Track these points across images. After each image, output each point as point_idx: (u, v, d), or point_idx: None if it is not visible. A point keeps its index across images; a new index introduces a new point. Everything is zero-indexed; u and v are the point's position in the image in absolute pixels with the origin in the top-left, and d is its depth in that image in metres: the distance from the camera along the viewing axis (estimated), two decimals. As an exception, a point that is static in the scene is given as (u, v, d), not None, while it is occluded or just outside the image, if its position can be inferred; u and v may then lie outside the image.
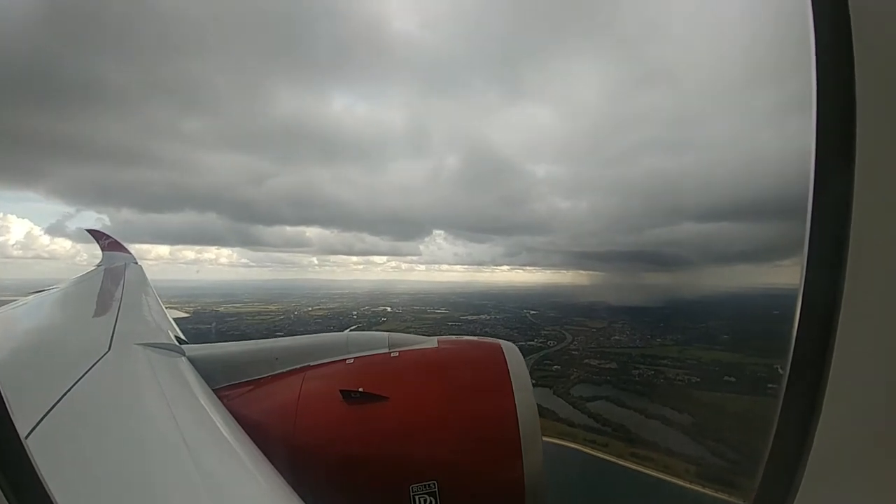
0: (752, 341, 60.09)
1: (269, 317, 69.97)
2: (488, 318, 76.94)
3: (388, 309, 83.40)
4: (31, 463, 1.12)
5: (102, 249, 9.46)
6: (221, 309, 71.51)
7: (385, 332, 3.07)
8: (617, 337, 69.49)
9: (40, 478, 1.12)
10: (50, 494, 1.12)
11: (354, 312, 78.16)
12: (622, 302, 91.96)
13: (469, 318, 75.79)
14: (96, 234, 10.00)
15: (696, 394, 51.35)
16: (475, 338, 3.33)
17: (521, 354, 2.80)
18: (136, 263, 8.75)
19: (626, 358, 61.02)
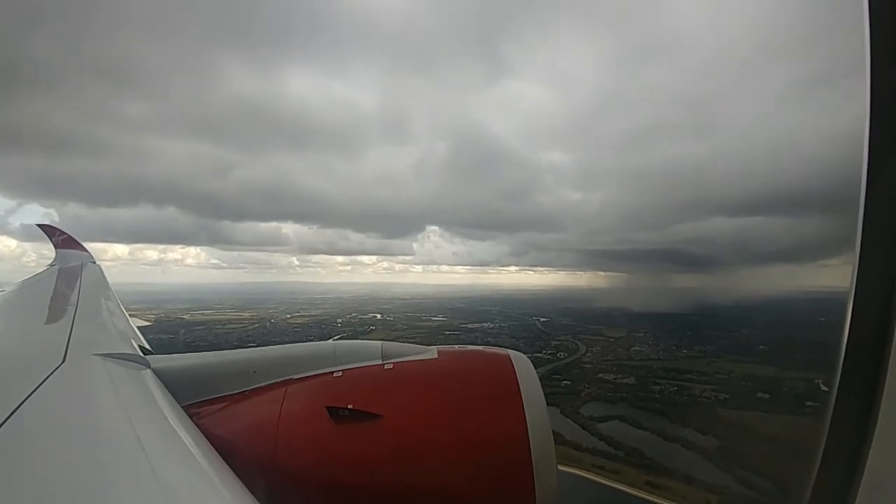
0: (792, 353, 55.39)
1: (241, 325, 65.21)
2: (492, 326, 71.62)
3: (378, 316, 78.93)
4: None
5: (56, 247, 8.80)
6: (188, 316, 67.67)
7: (378, 341, 2.83)
8: (637, 348, 62.99)
9: None
10: None
11: (339, 320, 72.76)
12: (645, 308, 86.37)
13: (470, 326, 70.57)
14: (48, 230, 9.38)
15: (723, 413, 45.27)
16: (480, 347, 2.94)
17: (532, 366, 2.54)
18: (94, 263, 8.24)
19: (645, 372, 54.98)
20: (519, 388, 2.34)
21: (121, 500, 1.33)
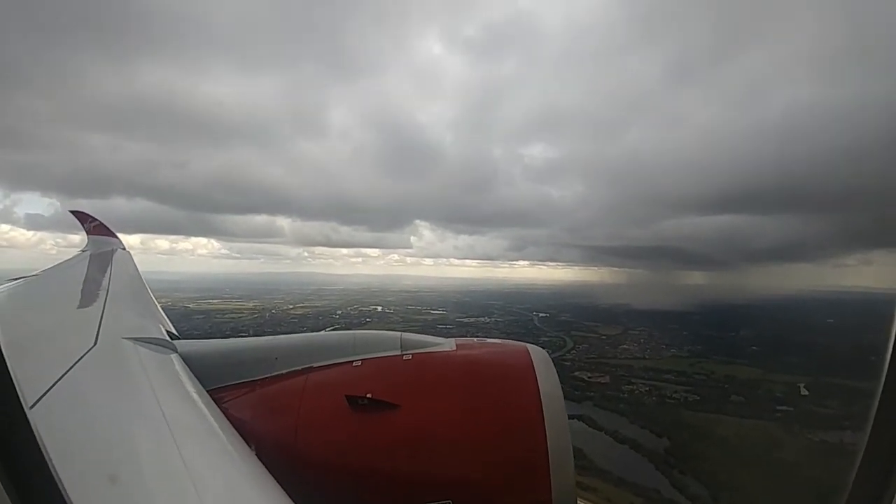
0: (783, 355, 54.25)
1: (240, 315, 67.00)
2: (488, 321, 72.33)
3: (379, 308, 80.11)
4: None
5: (88, 233, 8.72)
6: (192, 305, 69.61)
7: (397, 333, 2.83)
8: (626, 346, 63.51)
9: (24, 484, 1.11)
10: None
11: (338, 311, 74.57)
12: (650, 305, 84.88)
13: (466, 320, 71.15)
14: (81, 216, 9.05)
15: (686, 415, 44.84)
16: (498, 340, 2.92)
17: (550, 359, 2.52)
18: (125, 249, 8.21)
19: (623, 371, 54.84)
20: (536, 381, 2.36)
21: (149, 480, 1.42)
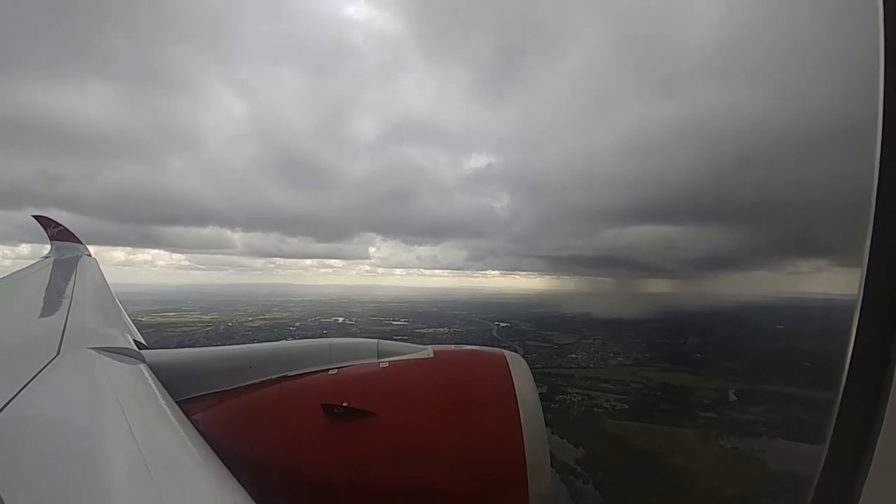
0: (723, 362, 54.45)
1: (192, 328, 66.50)
2: (446, 331, 72.82)
3: (340, 320, 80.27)
4: None
5: (51, 238, 8.54)
6: (145, 319, 68.26)
7: (374, 340, 2.69)
8: (574, 355, 63.75)
9: None
10: None
11: (297, 323, 75.19)
12: (612, 313, 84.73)
13: (424, 330, 71.46)
14: (44, 221, 8.96)
15: (608, 424, 45.02)
16: (476, 347, 2.79)
17: (527, 366, 2.41)
18: (90, 255, 8.09)
19: (563, 380, 54.95)
20: (514, 388, 2.29)
21: (114, 493, 1.35)
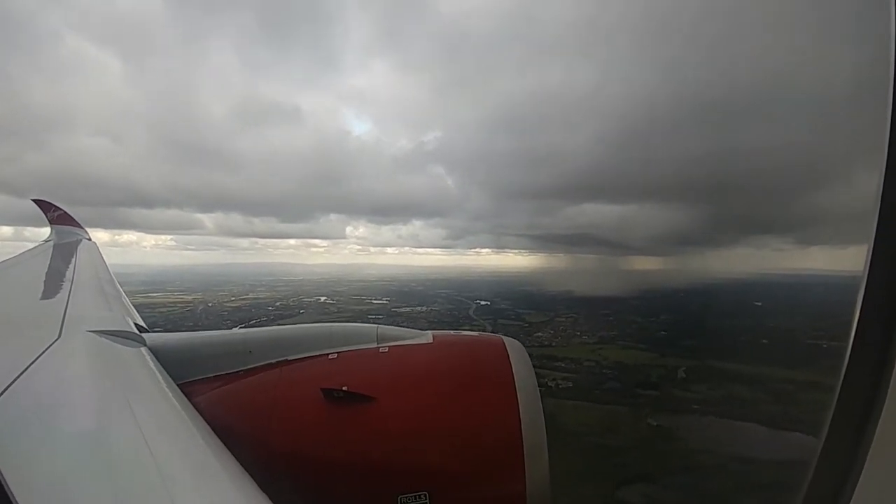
0: (684, 339, 52.73)
1: (172, 309, 66.57)
2: (423, 309, 73.29)
3: (322, 299, 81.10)
4: None
5: (51, 223, 8.61)
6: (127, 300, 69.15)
7: (374, 325, 2.82)
8: (540, 334, 62.97)
9: None
10: None
11: (278, 303, 75.85)
12: (593, 291, 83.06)
13: (401, 310, 72.13)
14: (43, 205, 8.94)
15: (546, 402, 42.39)
16: (475, 333, 3.02)
17: (525, 352, 2.52)
18: (90, 240, 8.20)
19: None
20: (512, 374, 2.34)
21: (116, 476, 1.34)
